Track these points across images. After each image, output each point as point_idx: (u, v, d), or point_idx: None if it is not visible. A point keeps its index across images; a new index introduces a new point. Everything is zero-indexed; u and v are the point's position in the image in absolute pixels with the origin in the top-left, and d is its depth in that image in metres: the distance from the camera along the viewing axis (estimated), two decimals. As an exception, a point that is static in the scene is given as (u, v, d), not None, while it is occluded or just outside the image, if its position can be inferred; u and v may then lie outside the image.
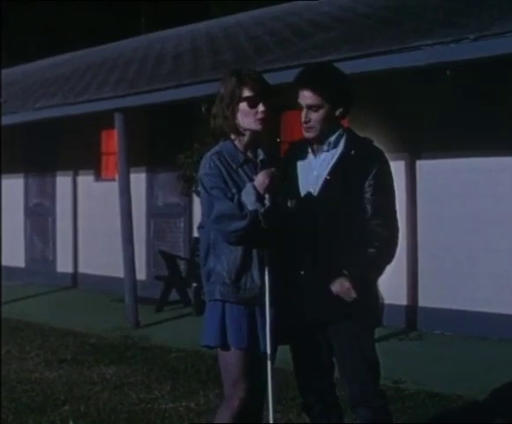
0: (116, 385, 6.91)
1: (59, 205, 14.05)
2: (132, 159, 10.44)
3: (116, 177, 10.55)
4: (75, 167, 13.60)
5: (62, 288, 13.28)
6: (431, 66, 7.65)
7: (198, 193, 9.51)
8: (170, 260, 11.41)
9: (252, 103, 3.91)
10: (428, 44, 7.51)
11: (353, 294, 3.88)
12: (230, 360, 3.92)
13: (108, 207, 12.04)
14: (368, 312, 3.97)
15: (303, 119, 4.03)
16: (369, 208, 3.95)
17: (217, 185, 3.87)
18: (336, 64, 4.47)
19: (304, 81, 4.04)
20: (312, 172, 4.06)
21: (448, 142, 8.81)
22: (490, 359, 7.52)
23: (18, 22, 26.50)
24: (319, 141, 4.07)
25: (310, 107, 4.00)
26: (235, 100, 3.92)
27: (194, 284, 10.22)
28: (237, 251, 3.89)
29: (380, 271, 3.99)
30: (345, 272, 3.92)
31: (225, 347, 3.92)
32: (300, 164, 4.11)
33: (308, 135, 4.06)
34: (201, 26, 15.47)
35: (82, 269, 13.51)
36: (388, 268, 4.03)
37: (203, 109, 8.40)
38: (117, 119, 10.15)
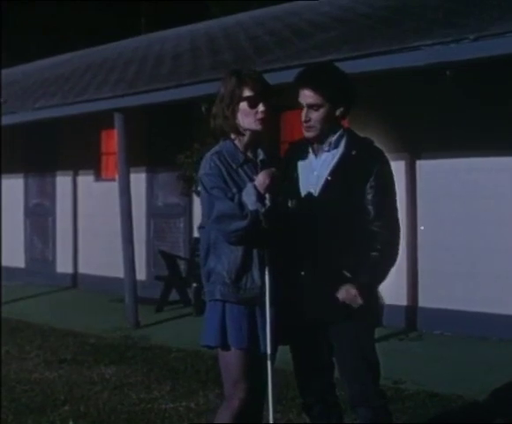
0: (116, 385, 6.91)
1: (59, 205, 14.05)
2: (132, 159, 10.44)
3: (116, 177, 10.55)
4: (75, 167, 13.60)
5: (62, 288, 13.27)
6: (431, 66, 7.65)
7: (198, 193, 9.53)
8: (170, 260, 11.41)
9: (253, 103, 3.91)
10: (428, 44, 7.51)
11: (359, 301, 3.88)
12: (231, 360, 3.92)
13: (108, 207, 12.04)
14: (368, 312, 3.96)
15: (303, 118, 4.03)
16: (370, 208, 3.95)
17: (217, 185, 3.87)
18: (336, 64, 4.47)
19: (304, 80, 4.04)
20: (313, 172, 4.06)
21: (448, 142, 8.81)
22: (490, 360, 7.52)
23: (18, 22, 26.50)
24: (319, 141, 4.07)
25: (310, 106, 4.00)
26: (235, 100, 3.92)
27: (194, 284, 10.22)
28: (238, 251, 3.88)
29: (384, 275, 3.99)
30: (347, 274, 3.92)
31: (225, 347, 3.92)
32: (301, 164, 4.11)
33: (308, 134, 4.06)
34: (201, 26, 15.48)
35: (82, 270, 13.51)
36: (388, 268, 4.03)
37: (203, 108, 8.39)
38: (117, 119, 10.15)
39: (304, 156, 4.11)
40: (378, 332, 4.16)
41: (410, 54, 7.63)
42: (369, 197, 3.95)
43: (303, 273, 3.99)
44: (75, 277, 13.60)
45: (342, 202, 3.97)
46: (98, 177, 13.36)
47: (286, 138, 10.08)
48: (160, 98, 10.02)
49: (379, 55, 7.87)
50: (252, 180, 3.88)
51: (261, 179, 3.85)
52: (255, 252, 3.90)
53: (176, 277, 11.24)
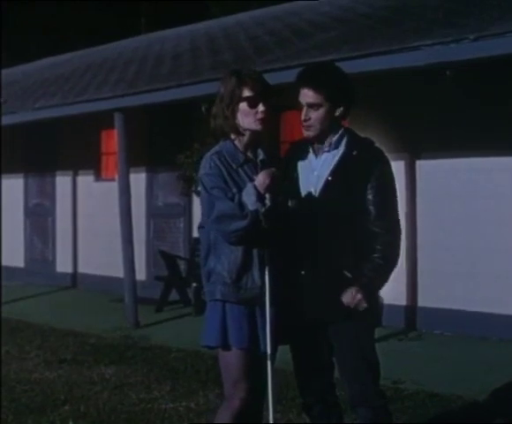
0: (116, 385, 6.91)
1: (59, 205, 14.05)
2: (132, 159, 10.44)
3: (116, 177, 10.55)
4: (75, 167, 13.60)
5: (61, 288, 13.28)
6: (431, 66, 7.65)
7: (198, 193, 9.53)
8: (170, 260, 11.41)
9: (252, 103, 3.91)
10: (428, 44, 7.51)
11: (364, 304, 3.88)
12: (231, 360, 3.92)
13: (107, 207, 12.04)
14: (368, 312, 3.96)
15: (302, 117, 4.03)
16: (372, 209, 3.95)
17: (218, 185, 3.87)
18: (337, 64, 4.47)
19: (305, 80, 4.04)
20: (313, 172, 4.06)
21: (448, 142, 8.81)
22: (490, 360, 7.52)
23: (18, 22, 26.50)
24: (318, 141, 4.07)
25: (310, 105, 4.00)
26: (235, 100, 3.92)
27: (194, 284, 10.22)
28: (238, 251, 3.88)
29: (387, 278, 3.99)
30: (347, 274, 3.92)
31: (226, 347, 3.91)
32: (301, 164, 4.11)
33: (307, 134, 4.06)
34: (201, 26, 15.48)
35: (82, 269, 13.51)
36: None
37: (203, 108, 8.40)
38: (117, 119, 10.15)
39: (304, 156, 4.11)
40: (377, 332, 4.16)
41: (410, 54, 7.63)
42: (370, 197, 3.95)
43: (303, 273, 3.99)
44: (75, 277, 13.61)
45: (343, 202, 3.97)
46: (98, 177, 13.36)
47: (286, 138, 10.09)
48: (160, 98, 10.03)
49: (379, 55, 7.87)
50: (252, 180, 3.89)
51: (261, 179, 3.85)
52: (255, 252, 3.90)
53: (176, 277, 11.24)
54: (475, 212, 8.65)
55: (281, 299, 3.93)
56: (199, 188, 4.08)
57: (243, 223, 3.79)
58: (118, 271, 10.60)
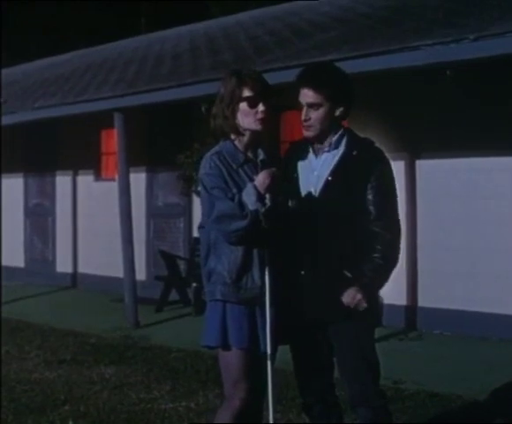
0: (116, 385, 6.91)
1: (59, 205, 14.05)
2: (132, 159, 10.44)
3: (116, 177, 10.55)
4: (75, 167, 13.60)
5: (61, 288, 13.28)
6: (430, 66, 7.65)
7: (197, 193, 9.53)
8: (170, 260, 11.41)
9: (252, 103, 3.91)
10: (428, 44, 7.51)
11: (364, 305, 3.88)
12: (231, 360, 3.92)
13: (107, 207, 12.04)
14: (368, 312, 3.96)
15: (303, 117, 4.03)
16: (372, 209, 3.95)
17: (218, 185, 3.87)
18: (337, 64, 4.47)
19: (305, 80, 4.05)
20: (313, 172, 4.06)
21: (448, 142, 8.81)
22: (490, 359, 7.52)
23: (18, 22, 26.50)
24: (318, 141, 4.07)
25: (310, 105, 4.00)
26: (235, 100, 3.92)
27: (194, 284, 10.22)
28: (238, 251, 3.88)
29: (387, 278, 3.99)
30: (348, 274, 3.92)
31: (226, 347, 3.91)
32: (301, 164, 4.11)
33: (307, 134, 4.06)
34: (201, 26, 15.47)
35: (82, 269, 13.51)
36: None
37: (203, 108, 8.40)
38: (117, 119, 10.15)
39: (304, 156, 4.11)
40: (378, 332, 4.16)
41: (410, 54, 7.63)
42: (370, 197, 3.95)
43: (303, 273, 3.99)
44: (75, 277, 13.60)
45: (343, 202, 3.97)
46: (98, 177, 13.36)
47: (286, 138, 10.09)
48: (160, 98, 10.03)
49: (379, 55, 7.87)
50: (252, 180, 3.89)
51: (261, 179, 3.85)
52: (255, 252, 3.90)
53: (176, 277, 11.24)
54: (475, 212, 8.65)
55: (281, 299, 3.93)
56: (199, 188, 4.08)
57: (243, 223, 3.79)
58: (118, 271, 10.60)
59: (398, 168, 8.24)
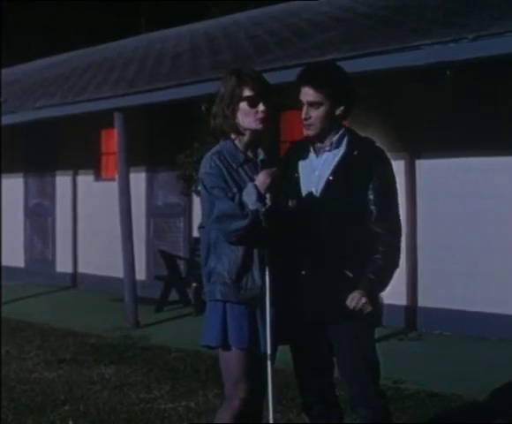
0: (116, 385, 6.91)
1: (59, 205, 14.05)
2: (132, 159, 10.44)
3: (116, 176, 10.55)
4: (75, 167, 13.60)
5: (61, 288, 13.27)
6: (430, 66, 7.65)
7: (198, 193, 9.52)
8: (170, 259, 11.40)
9: (253, 103, 3.90)
10: (428, 44, 7.51)
11: (369, 308, 3.88)
12: (231, 360, 3.92)
13: (107, 207, 12.03)
14: (369, 312, 3.96)
15: (303, 116, 4.03)
16: (373, 209, 3.95)
17: (218, 185, 3.87)
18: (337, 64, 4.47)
19: (306, 78, 4.05)
20: (314, 172, 4.06)
21: (448, 142, 8.81)
22: (490, 359, 7.52)
23: (18, 22, 26.49)
24: (319, 140, 4.07)
25: (311, 104, 4.00)
26: (235, 99, 3.92)
27: (194, 284, 10.22)
28: (238, 251, 3.88)
29: (390, 278, 3.99)
30: (349, 274, 3.92)
31: (226, 347, 3.91)
32: (302, 164, 4.10)
33: (308, 133, 4.06)
34: (201, 25, 15.47)
35: (82, 269, 13.51)
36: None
37: (203, 108, 8.39)
38: (117, 119, 10.14)
39: (305, 156, 4.11)
40: (378, 332, 4.16)
41: (410, 54, 7.63)
42: (371, 197, 3.95)
43: (303, 273, 3.99)
44: (75, 277, 13.60)
45: (344, 202, 3.97)
46: (98, 176, 13.36)
47: (286, 138, 10.09)
48: (160, 97, 10.02)
49: (378, 54, 7.87)
50: (252, 180, 3.89)
51: (262, 179, 3.85)
52: (255, 252, 3.90)
53: (176, 277, 11.24)
54: (475, 212, 8.65)
55: (281, 300, 3.93)
56: (200, 188, 4.08)
57: (243, 223, 3.79)
58: (118, 271, 10.60)
59: (398, 168, 8.21)
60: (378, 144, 4.14)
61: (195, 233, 10.83)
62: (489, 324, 8.33)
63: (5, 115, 12.33)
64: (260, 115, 3.91)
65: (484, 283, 8.53)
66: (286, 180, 4.00)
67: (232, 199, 3.83)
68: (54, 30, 27.08)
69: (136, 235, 10.39)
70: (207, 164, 3.93)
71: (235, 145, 3.98)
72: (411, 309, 9.13)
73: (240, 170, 3.94)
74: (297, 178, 4.07)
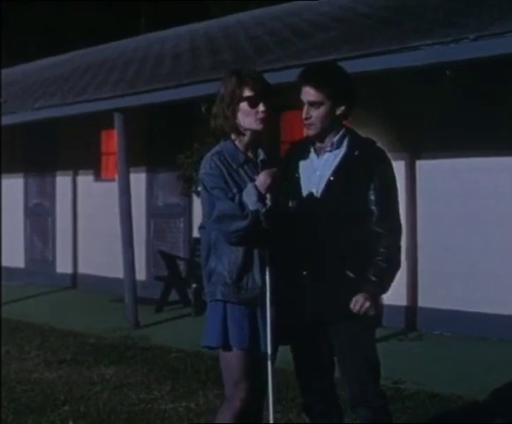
0: (116, 385, 6.91)
1: (59, 205, 14.05)
2: (132, 159, 10.44)
3: (116, 177, 10.55)
4: (75, 167, 13.60)
5: (61, 288, 13.27)
6: (430, 66, 7.65)
7: (198, 194, 9.53)
8: (170, 260, 11.40)
9: (253, 103, 3.90)
10: (428, 44, 7.51)
11: (373, 311, 3.89)
12: (232, 361, 3.92)
13: (107, 207, 12.03)
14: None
15: (304, 116, 4.04)
16: (374, 209, 3.95)
17: (218, 186, 3.87)
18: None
19: (306, 78, 4.05)
20: (315, 172, 4.06)
21: (448, 142, 8.81)
22: (490, 360, 7.52)
23: (18, 22, 26.49)
24: (319, 139, 4.07)
25: (311, 103, 4.00)
26: (235, 100, 3.92)
27: (194, 285, 10.22)
28: (238, 251, 3.88)
29: (392, 280, 4.00)
30: (350, 274, 3.92)
31: (226, 348, 3.91)
32: (302, 164, 4.11)
33: (308, 132, 4.07)
34: (201, 26, 15.47)
35: (82, 270, 13.50)
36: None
37: (203, 108, 8.40)
38: (117, 119, 10.14)
39: (305, 156, 4.12)
40: (378, 332, 4.17)
41: (410, 54, 7.63)
42: (372, 197, 3.96)
43: (305, 273, 3.99)
44: (75, 277, 13.60)
45: (345, 202, 3.97)
46: (98, 177, 13.36)
47: (286, 138, 10.09)
48: (160, 98, 10.02)
49: (378, 55, 7.87)
50: (252, 180, 3.89)
51: (262, 179, 3.85)
52: (256, 252, 3.90)
53: (176, 278, 11.24)
54: (475, 212, 8.65)
55: (281, 300, 3.93)
56: (200, 188, 4.08)
57: (243, 224, 3.79)
58: (118, 271, 10.60)
59: (398, 168, 8.19)
60: (379, 144, 4.15)
61: (195, 234, 10.84)
62: (489, 324, 8.33)
63: (5, 115, 12.33)
64: (261, 115, 3.91)
65: (484, 284, 8.53)
66: (286, 181, 4.00)
67: (232, 199, 3.83)
68: (54, 30, 27.08)
69: (136, 235, 10.39)
70: (207, 165, 3.94)
71: (235, 145, 3.98)
72: (411, 309, 9.12)
73: (240, 170, 3.94)
74: (298, 179, 4.07)
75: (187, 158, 10.08)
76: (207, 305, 4.01)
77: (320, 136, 4.06)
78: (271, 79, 4.35)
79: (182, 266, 11.44)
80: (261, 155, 4.00)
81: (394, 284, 4.06)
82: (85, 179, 13.48)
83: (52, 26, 27.15)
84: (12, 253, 14.27)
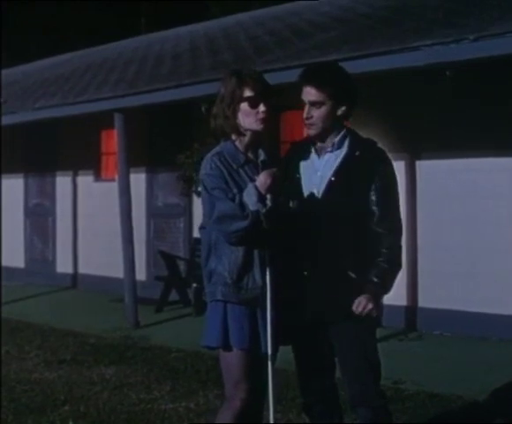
0: (116, 385, 6.91)
1: (59, 205, 14.05)
2: (132, 159, 10.44)
3: (116, 177, 10.55)
4: (75, 167, 13.60)
5: (61, 288, 13.27)
6: (431, 66, 7.65)
7: (198, 194, 9.54)
8: (170, 260, 11.40)
9: (253, 103, 3.91)
10: (428, 44, 7.51)
11: (376, 313, 3.89)
12: (232, 361, 3.92)
13: (107, 207, 12.03)
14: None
15: (305, 115, 4.04)
16: (375, 209, 3.95)
17: (218, 186, 3.87)
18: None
19: (308, 78, 4.05)
20: (316, 173, 4.06)
21: (448, 142, 8.81)
22: (490, 360, 7.52)
23: (18, 22, 26.50)
24: (320, 139, 4.07)
25: (312, 103, 4.01)
26: (236, 100, 3.92)
27: (194, 285, 10.22)
28: (239, 251, 3.88)
29: (394, 280, 4.01)
30: (351, 275, 3.92)
31: (227, 348, 3.91)
32: (303, 165, 4.11)
33: (309, 132, 4.07)
34: (201, 26, 15.48)
35: (82, 270, 13.50)
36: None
37: (203, 109, 8.39)
38: (117, 119, 10.14)
39: (306, 157, 4.12)
40: (378, 333, 4.16)
41: (410, 54, 7.63)
42: (373, 198, 3.96)
43: (306, 273, 3.99)
44: (75, 277, 13.60)
45: (346, 203, 3.98)
46: (98, 177, 13.36)
47: (286, 138, 10.08)
48: (160, 98, 10.02)
49: (379, 55, 7.87)
50: (253, 181, 3.89)
51: (262, 180, 3.85)
52: (256, 252, 3.90)
53: (176, 278, 11.24)
54: (474, 212, 8.65)
55: (282, 300, 3.93)
56: (200, 189, 4.08)
57: (243, 224, 3.79)
58: (118, 271, 10.60)
59: (398, 168, 8.17)
60: (379, 145, 4.15)
61: (195, 234, 10.84)
62: (489, 324, 8.33)
63: (5, 115, 12.33)
64: (261, 115, 3.91)
65: (484, 284, 8.53)
66: (287, 181, 4.00)
67: (233, 200, 3.83)
68: (54, 30, 27.10)
69: (136, 235, 10.39)
70: (207, 165, 3.94)
71: (235, 146, 3.98)
72: (411, 310, 9.12)
73: (241, 170, 3.94)
74: (299, 179, 4.07)
75: (187, 158, 10.08)
76: (208, 305, 4.01)
77: (321, 136, 4.06)
78: (271, 79, 4.35)
79: (182, 266, 11.45)
80: (262, 156, 4.00)
81: (394, 285, 4.06)
82: (85, 179, 13.48)
83: (52, 26, 27.16)
84: (12, 253, 14.27)
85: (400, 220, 4.06)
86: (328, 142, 4.07)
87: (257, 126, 3.93)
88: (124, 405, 6.27)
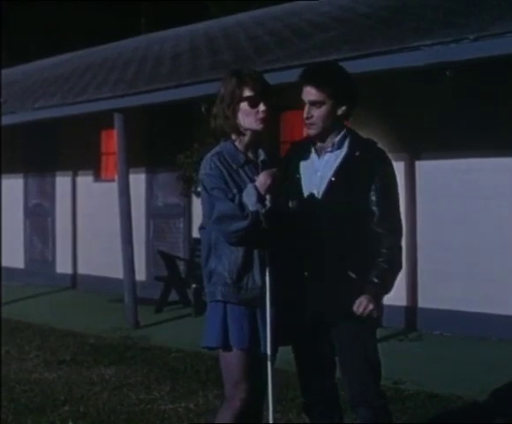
0: (116, 386, 6.91)
1: (59, 205, 14.05)
2: (132, 159, 10.44)
3: (116, 177, 10.55)
4: (75, 167, 13.60)
5: (61, 289, 13.27)
6: (431, 66, 7.65)
7: (197, 194, 9.53)
8: (170, 260, 11.40)
9: (253, 103, 3.90)
10: (428, 44, 7.51)
11: (376, 313, 3.89)
12: (232, 361, 3.92)
13: (107, 207, 12.03)
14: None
15: (305, 115, 4.04)
16: (375, 209, 3.95)
17: (218, 186, 3.87)
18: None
19: (308, 77, 4.05)
20: (316, 173, 4.06)
21: (448, 142, 8.80)
22: (490, 360, 7.52)
23: (18, 22, 26.50)
24: (320, 139, 4.07)
25: (312, 103, 4.00)
26: (235, 100, 3.92)
27: (194, 285, 10.22)
28: (238, 251, 3.88)
29: (394, 280, 4.01)
30: (352, 275, 3.92)
31: (226, 348, 3.91)
32: (303, 165, 4.11)
33: (309, 132, 4.06)
34: (201, 26, 15.48)
35: (81, 270, 13.50)
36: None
37: (203, 109, 8.39)
38: (117, 119, 10.14)
39: (306, 157, 4.12)
40: (378, 333, 4.16)
41: (410, 54, 7.63)
42: (373, 198, 3.96)
43: (306, 274, 3.99)
44: (75, 278, 13.60)
45: (346, 203, 3.97)
46: (97, 177, 13.35)
47: (286, 138, 10.08)
48: (159, 98, 10.02)
49: (379, 55, 7.87)
50: (252, 181, 3.88)
51: (262, 180, 3.85)
52: (256, 252, 3.90)
53: (176, 278, 11.24)
54: (475, 212, 8.64)
55: (282, 300, 3.93)
56: (200, 189, 4.07)
57: (243, 224, 3.78)
58: (118, 272, 10.59)
59: (398, 168, 8.16)
60: (379, 145, 4.15)
61: (195, 234, 10.83)
62: (489, 324, 8.33)
63: (5, 115, 12.33)
64: (261, 115, 3.91)
65: (484, 284, 8.53)
66: (287, 181, 4.00)
67: (232, 200, 3.83)
68: (54, 30, 27.10)
69: (136, 236, 10.39)
70: (207, 165, 3.93)
71: (235, 146, 3.98)
72: (411, 310, 9.12)
73: (240, 170, 3.94)
74: (299, 179, 4.07)
75: (187, 158, 10.08)
76: (207, 305, 4.01)
77: (321, 136, 4.06)
78: (271, 79, 4.35)
79: (182, 266, 11.44)
80: (262, 156, 3.99)
81: (394, 285, 4.06)
82: (84, 179, 13.48)
83: (52, 26, 27.17)
84: (12, 253, 14.27)
85: (400, 220, 4.06)
86: (328, 142, 4.07)
87: (257, 126, 3.93)
88: (123, 406, 6.27)
